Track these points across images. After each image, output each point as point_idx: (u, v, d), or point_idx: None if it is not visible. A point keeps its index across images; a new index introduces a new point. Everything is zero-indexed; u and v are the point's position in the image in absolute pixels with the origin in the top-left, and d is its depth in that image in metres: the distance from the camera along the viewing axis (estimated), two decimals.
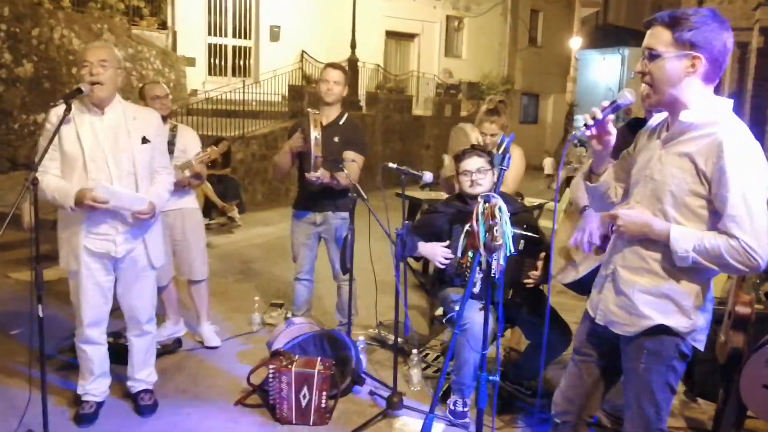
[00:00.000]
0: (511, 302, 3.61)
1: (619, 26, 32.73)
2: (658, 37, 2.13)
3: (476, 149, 3.82)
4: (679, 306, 2.24)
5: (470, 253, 3.58)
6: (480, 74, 20.39)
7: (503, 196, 3.96)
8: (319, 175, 4.17)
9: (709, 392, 3.50)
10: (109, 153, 3.32)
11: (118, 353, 3.82)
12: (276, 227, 9.92)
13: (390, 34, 18.81)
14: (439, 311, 4.03)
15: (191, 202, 4.63)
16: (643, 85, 2.21)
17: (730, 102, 2.22)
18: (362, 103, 15.36)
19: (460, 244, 3.54)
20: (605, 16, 33.48)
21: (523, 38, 23.22)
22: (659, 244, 2.21)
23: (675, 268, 2.20)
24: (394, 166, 3.59)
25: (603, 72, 31.33)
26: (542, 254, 3.64)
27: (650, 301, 2.26)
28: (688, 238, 2.14)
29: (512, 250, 2.36)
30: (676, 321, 2.25)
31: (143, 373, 3.72)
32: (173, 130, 4.51)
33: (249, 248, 8.46)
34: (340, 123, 4.49)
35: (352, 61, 14.97)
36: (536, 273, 3.60)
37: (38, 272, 2.87)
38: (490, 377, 2.50)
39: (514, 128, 4.41)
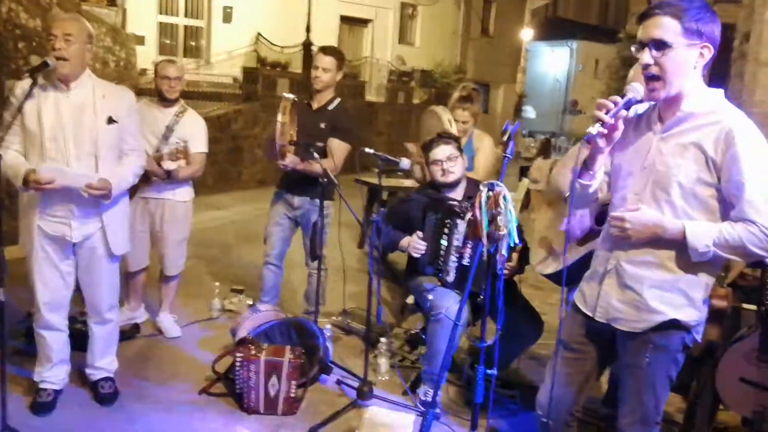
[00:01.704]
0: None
1: (568, 19, 33.23)
2: (666, 28, 2.09)
3: (443, 137, 3.78)
4: (690, 299, 2.24)
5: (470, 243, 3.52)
6: (433, 62, 20.37)
7: (475, 182, 3.97)
8: (286, 162, 4.08)
9: (679, 386, 3.56)
10: (70, 132, 3.15)
11: (76, 339, 3.66)
12: (228, 211, 9.74)
13: (344, 19, 18.62)
14: (410, 299, 4.00)
15: (180, 195, 4.37)
16: (638, 83, 2.16)
17: (722, 91, 2.23)
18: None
19: (462, 233, 3.51)
20: (555, 8, 33.92)
21: (476, 28, 23.31)
22: (672, 242, 2.18)
23: (688, 262, 2.18)
24: (371, 151, 3.53)
25: (552, 64, 31.80)
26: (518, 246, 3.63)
27: (662, 296, 2.23)
28: (706, 233, 2.12)
29: (516, 241, 2.33)
30: (686, 314, 2.24)
31: (104, 361, 3.58)
32: (178, 116, 4.28)
33: (202, 233, 8.23)
34: (330, 108, 4.38)
35: (307, 46, 14.77)
36: (511, 264, 3.59)
37: (0, 254, 2.71)
38: (488, 371, 2.46)
39: None
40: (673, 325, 2.24)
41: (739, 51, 6.36)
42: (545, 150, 10.79)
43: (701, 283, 2.24)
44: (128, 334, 4.37)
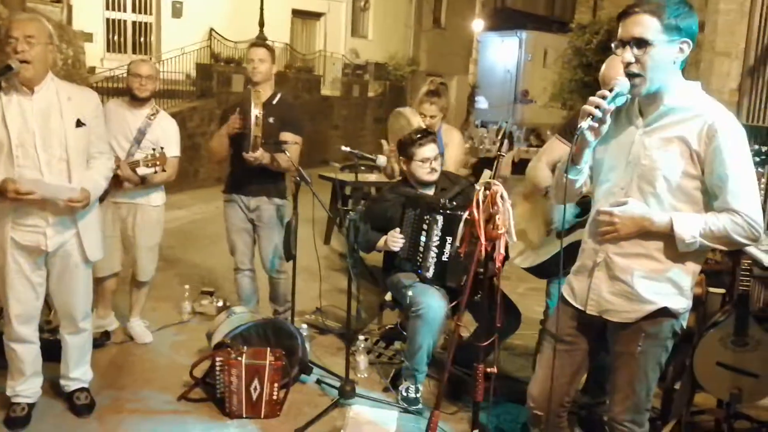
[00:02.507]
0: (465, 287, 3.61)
1: (517, 9, 33.50)
2: (646, 25, 2.14)
3: (428, 134, 3.79)
4: (679, 288, 2.30)
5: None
6: (386, 55, 20.35)
7: (449, 174, 3.99)
8: (257, 155, 4.02)
9: None
10: (38, 137, 3.04)
11: (48, 349, 3.56)
12: (188, 210, 9.59)
13: (297, 13, 18.46)
14: (388, 296, 3.99)
15: (153, 200, 4.28)
16: (624, 77, 2.19)
17: (699, 84, 2.28)
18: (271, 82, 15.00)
19: (440, 229, 3.52)
20: None
21: (428, 20, 23.36)
22: (659, 233, 2.23)
23: (676, 252, 2.24)
24: (348, 149, 3.51)
25: (502, 54, 32.02)
26: None
27: (651, 286, 2.28)
28: (692, 224, 2.18)
29: (514, 239, 2.34)
30: (675, 302, 2.30)
31: (78, 371, 3.48)
32: (150, 118, 4.17)
33: (164, 234, 8.09)
34: (274, 102, 4.32)
35: (260, 40, 14.60)
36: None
37: None
38: (488, 369, 2.47)
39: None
40: (663, 313, 2.29)
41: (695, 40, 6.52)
42: (508, 142, 10.86)
43: (689, 272, 2.30)
44: (98, 341, 4.25)
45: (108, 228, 4.12)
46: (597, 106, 2.15)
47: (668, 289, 2.29)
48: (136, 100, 4.16)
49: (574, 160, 2.31)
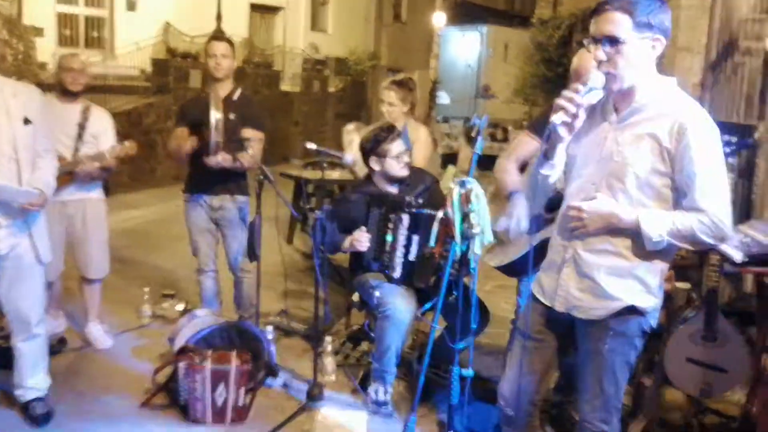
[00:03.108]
0: (434, 287, 3.56)
1: (477, 4, 33.64)
2: (617, 23, 2.10)
3: (395, 129, 3.72)
4: (646, 285, 2.27)
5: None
6: (347, 50, 20.22)
7: (418, 171, 3.93)
8: (219, 160, 3.92)
9: None
10: None
11: (3, 356, 3.41)
12: (145, 210, 9.39)
13: (255, 7, 18.20)
14: (355, 297, 3.92)
15: (97, 193, 4.23)
16: (599, 71, 2.16)
17: (674, 80, 2.25)
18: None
19: (407, 227, 3.45)
20: None
21: (389, 14, 23.28)
22: (627, 230, 2.20)
23: (644, 249, 2.21)
24: (314, 146, 3.42)
25: (463, 49, 32.10)
26: None
27: (618, 283, 2.26)
28: (660, 222, 2.16)
29: (491, 239, 2.28)
30: (643, 300, 2.27)
31: (34, 380, 3.33)
32: (85, 112, 4.05)
33: (119, 234, 7.87)
34: (234, 99, 4.20)
35: (219, 34, 14.36)
36: None
37: None
38: (463, 371, 2.41)
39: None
40: (631, 311, 2.27)
41: None
42: (469, 136, 10.88)
43: (657, 270, 2.28)
44: (55, 348, 4.10)
45: (53, 227, 4.00)
46: (570, 100, 2.11)
47: (635, 286, 2.26)
48: (69, 95, 4.06)
49: (547, 155, 2.27)
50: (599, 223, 2.23)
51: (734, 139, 3.18)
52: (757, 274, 3.25)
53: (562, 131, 2.17)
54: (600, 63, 2.15)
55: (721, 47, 4.93)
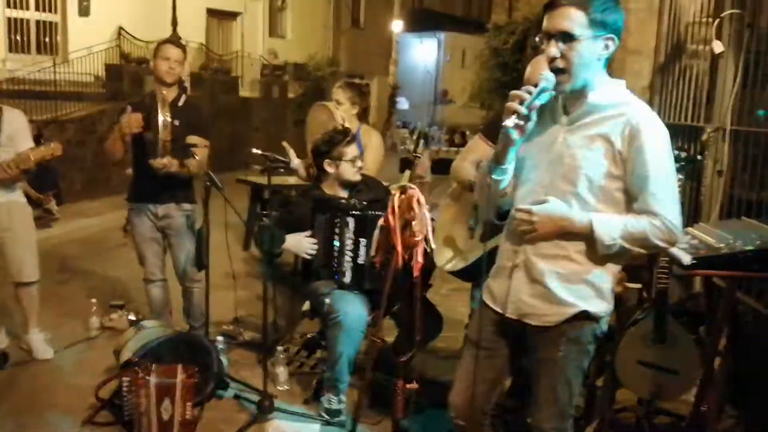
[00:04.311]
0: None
1: (435, 10, 33.81)
2: (572, 19, 2.05)
3: (346, 133, 3.67)
4: (598, 290, 2.23)
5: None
6: (306, 55, 20.13)
7: (372, 180, 3.88)
8: (165, 162, 3.80)
9: None
10: None
11: None
12: (99, 219, 9.16)
13: (212, 12, 17.99)
14: (306, 306, 3.84)
15: (19, 196, 4.09)
16: (550, 69, 2.10)
17: (623, 82, 2.23)
18: (187, 84, 14.57)
19: (353, 231, 3.39)
20: (421, 0, 34.41)
21: (347, 20, 23.25)
22: (579, 234, 2.16)
23: (595, 254, 2.17)
24: (259, 151, 3.34)
25: (422, 55, 32.26)
26: None
27: (570, 288, 2.20)
28: (612, 226, 2.12)
29: (433, 246, 2.22)
30: (596, 306, 2.23)
31: None
32: None
33: (71, 243, 7.72)
34: (179, 104, 4.09)
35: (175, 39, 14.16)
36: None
37: None
38: (408, 386, 2.35)
39: None
40: (584, 316, 2.23)
41: None
42: (425, 141, 10.87)
43: (608, 274, 2.24)
44: None
45: None
46: (521, 102, 2.05)
47: (587, 291, 2.22)
48: None
49: (498, 159, 2.21)
50: (550, 227, 2.17)
51: (684, 155, 3.19)
52: (707, 277, 3.26)
53: (514, 134, 2.11)
54: (553, 60, 2.10)
55: (669, 50, 5.00)
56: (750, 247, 2.70)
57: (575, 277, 2.21)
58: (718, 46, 4.12)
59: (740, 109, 4.12)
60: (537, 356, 2.33)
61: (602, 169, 2.14)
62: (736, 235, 2.80)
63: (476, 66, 14.57)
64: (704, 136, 4.27)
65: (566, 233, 2.18)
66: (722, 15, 4.15)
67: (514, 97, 2.08)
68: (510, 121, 2.06)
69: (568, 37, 2.07)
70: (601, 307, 2.25)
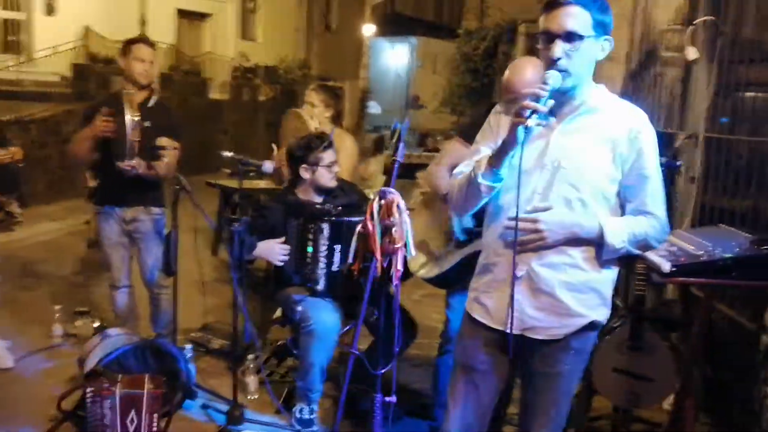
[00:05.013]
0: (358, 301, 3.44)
1: (406, 15, 33.87)
2: (578, 18, 1.96)
3: (323, 138, 3.60)
4: (602, 297, 2.16)
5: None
6: (277, 58, 20.01)
7: (347, 185, 3.81)
8: (134, 164, 3.70)
9: None
10: None
11: None
12: (63, 222, 8.94)
13: (182, 13, 17.80)
14: (278, 313, 3.76)
15: None
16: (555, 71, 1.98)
17: (603, 86, 2.18)
18: (155, 85, 14.36)
19: (327, 237, 3.32)
20: (393, 4, 34.43)
21: (319, 23, 23.19)
22: (586, 240, 2.08)
23: (598, 259, 2.09)
24: (230, 154, 3.26)
25: (393, 60, 32.29)
26: None
27: (579, 298, 2.10)
28: (621, 229, 2.07)
29: (413, 253, 2.15)
30: (600, 313, 2.16)
31: None
32: None
33: (34, 248, 7.52)
34: (150, 105, 3.98)
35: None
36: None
37: None
38: (386, 399, 2.27)
39: None
40: (590, 326, 2.15)
41: None
42: (378, 147, 10.83)
43: (609, 280, 2.18)
44: None
45: None
46: (537, 99, 1.93)
47: (594, 300, 2.13)
48: None
49: (495, 164, 2.07)
50: (560, 235, 2.06)
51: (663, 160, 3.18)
52: (683, 284, 3.25)
53: (521, 136, 1.97)
54: (554, 61, 1.99)
55: (642, 57, 5.01)
56: (729, 255, 2.69)
57: (584, 286, 2.11)
58: (692, 52, 4.14)
59: (713, 116, 4.14)
60: (539, 370, 2.20)
61: (605, 172, 2.08)
62: (715, 243, 2.79)
63: (447, 71, 14.61)
64: (677, 143, 4.28)
65: (574, 240, 2.08)
66: (695, 22, 4.17)
67: (534, 93, 1.95)
68: (532, 121, 1.94)
69: (574, 37, 1.97)
70: (605, 314, 2.19)
